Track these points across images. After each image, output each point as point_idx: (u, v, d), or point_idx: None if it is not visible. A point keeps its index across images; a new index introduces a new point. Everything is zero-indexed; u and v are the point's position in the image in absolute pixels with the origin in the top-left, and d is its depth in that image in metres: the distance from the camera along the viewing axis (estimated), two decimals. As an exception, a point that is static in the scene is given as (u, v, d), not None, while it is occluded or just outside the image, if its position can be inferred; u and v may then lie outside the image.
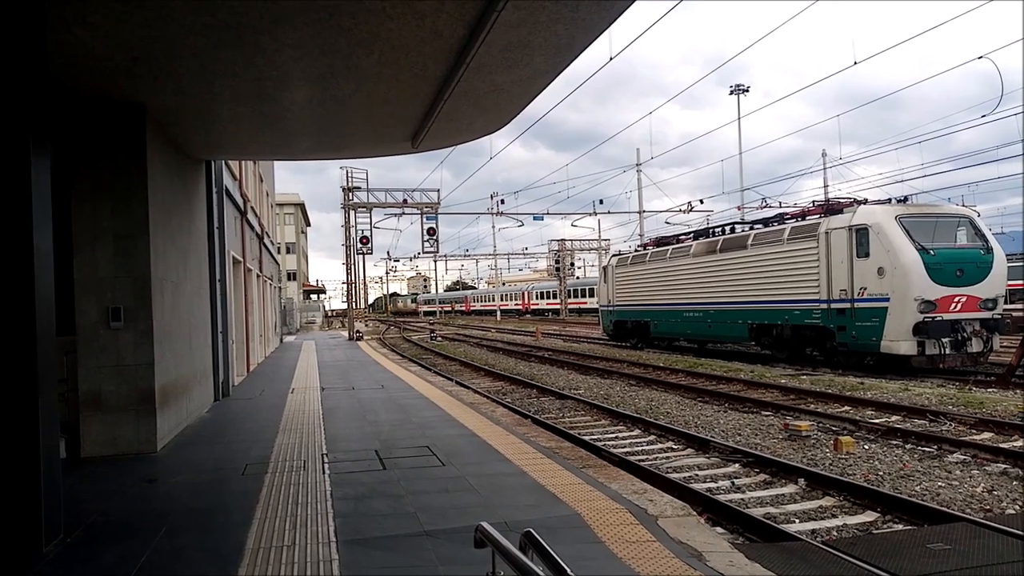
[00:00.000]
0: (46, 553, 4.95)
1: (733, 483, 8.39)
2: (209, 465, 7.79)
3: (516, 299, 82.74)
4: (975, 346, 17.11)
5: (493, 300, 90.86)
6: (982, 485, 7.94)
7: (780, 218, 22.49)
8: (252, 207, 20.66)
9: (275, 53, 6.49)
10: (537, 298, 78.28)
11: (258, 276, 23.21)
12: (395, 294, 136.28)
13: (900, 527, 6.70)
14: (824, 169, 43.00)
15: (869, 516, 7.04)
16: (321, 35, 6.07)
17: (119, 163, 8.32)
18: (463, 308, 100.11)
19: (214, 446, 8.91)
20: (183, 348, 10.01)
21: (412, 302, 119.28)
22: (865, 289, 17.77)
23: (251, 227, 20.62)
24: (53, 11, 5.41)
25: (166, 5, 5.46)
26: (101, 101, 7.93)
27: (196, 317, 11.07)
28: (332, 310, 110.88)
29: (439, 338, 40.51)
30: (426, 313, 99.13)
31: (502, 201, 50.94)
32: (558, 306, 71.58)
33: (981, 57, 23.12)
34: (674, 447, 10.44)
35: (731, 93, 45.69)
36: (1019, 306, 26.75)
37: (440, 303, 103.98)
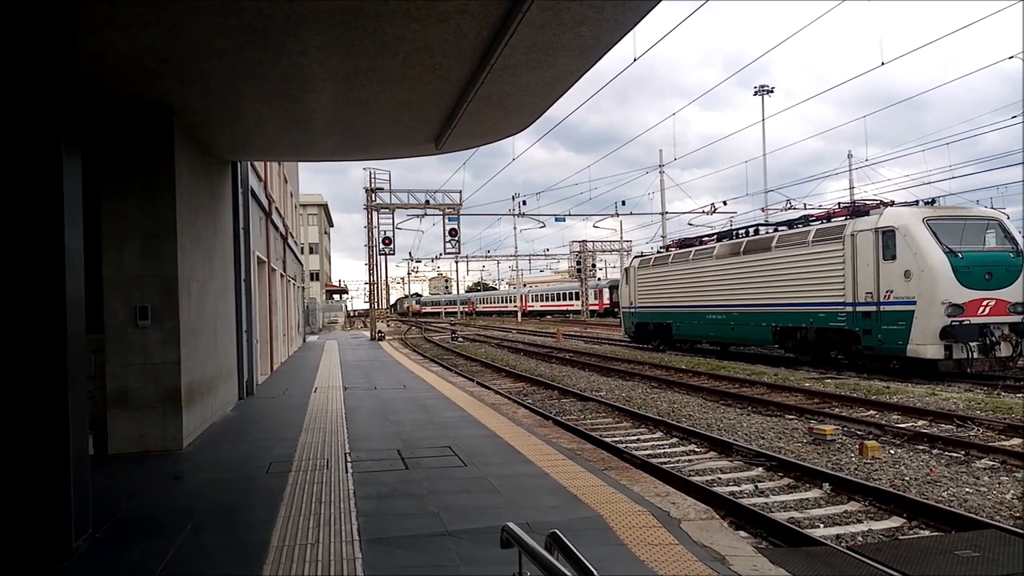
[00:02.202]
0: (76, 548, 5.02)
1: (756, 487, 8.32)
2: (234, 463, 7.87)
3: (514, 301, 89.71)
4: (1004, 350, 16.83)
5: (494, 302, 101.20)
6: (1012, 492, 7.81)
7: (805, 220, 22.27)
8: (277, 208, 20.83)
9: (300, 55, 6.54)
10: (532, 300, 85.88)
11: (282, 276, 23.40)
12: (417, 294, 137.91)
13: (927, 533, 6.61)
14: (850, 171, 42.57)
15: (895, 522, 6.95)
16: (346, 37, 6.11)
17: (147, 164, 8.43)
18: (467, 310, 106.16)
19: (239, 444, 9.01)
20: (208, 347, 10.11)
21: (416, 303, 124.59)
22: (892, 292, 17.55)
23: (275, 227, 20.79)
24: (83, 13, 5.49)
25: (193, 7, 5.52)
26: (130, 103, 8.05)
27: (221, 316, 11.19)
28: (354, 310, 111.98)
29: (460, 339, 40.61)
30: (447, 314, 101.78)
31: (524, 202, 51.01)
32: (553, 307, 78.76)
33: (1012, 57, 22.75)
34: (697, 450, 10.38)
35: (755, 94, 45.34)
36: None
37: (443, 304, 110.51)
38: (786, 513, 7.27)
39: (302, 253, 39.99)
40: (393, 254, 39.60)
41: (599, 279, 73.27)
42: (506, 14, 5.66)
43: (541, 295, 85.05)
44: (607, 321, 59.11)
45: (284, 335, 23.99)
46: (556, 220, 53.75)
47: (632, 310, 31.91)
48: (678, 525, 5.31)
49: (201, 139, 9.89)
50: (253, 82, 7.37)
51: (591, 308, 69.79)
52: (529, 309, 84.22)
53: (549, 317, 76.81)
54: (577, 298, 72.46)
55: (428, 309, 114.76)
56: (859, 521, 7.04)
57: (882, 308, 17.77)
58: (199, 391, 9.46)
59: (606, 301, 68.20)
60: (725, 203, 45.76)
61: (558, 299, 79.44)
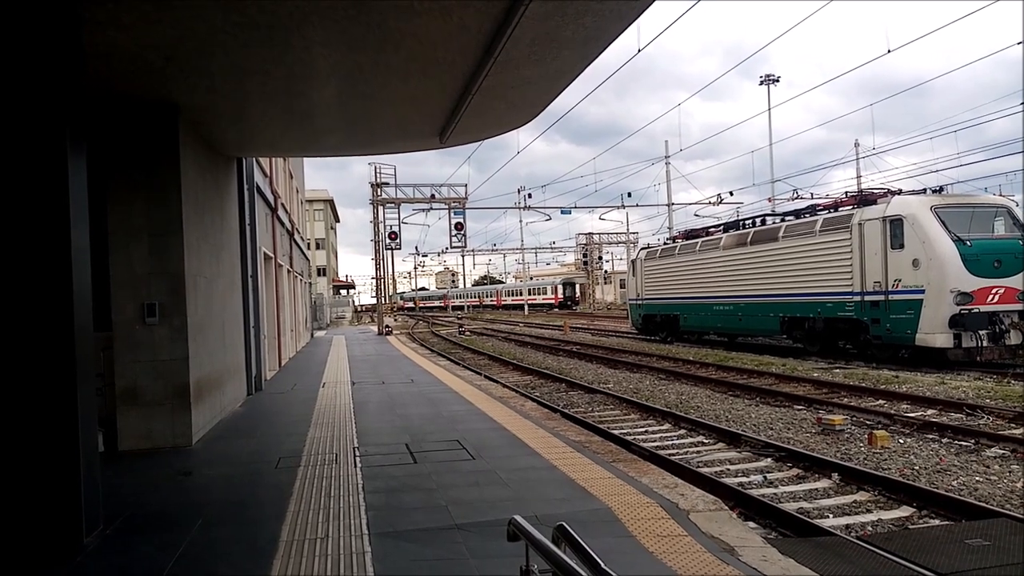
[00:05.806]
0: (87, 544, 5.06)
1: (765, 477, 8.32)
2: (243, 458, 7.90)
3: (492, 297, 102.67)
4: (1013, 338, 16.73)
5: (470, 298, 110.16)
6: (1022, 480, 7.78)
7: (812, 210, 22.17)
8: (282, 203, 20.85)
9: (304, 51, 6.54)
10: (506, 295, 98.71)
11: (289, 272, 23.45)
12: (423, 288, 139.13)
13: (937, 522, 6.60)
14: (857, 159, 42.36)
15: (905, 511, 6.94)
16: (349, 32, 6.10)
17: (153, 162, 8.45)
18: (442, 304, 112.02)
19: (248, 440, 9.04)
20: (216, 343, 10.15)
21: (400, 299, 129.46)
22: (900, 281, 17.48)
23: (282, 223, 20.81)
24: (87, 12, 5.49)
25: (197, 5, 5.52)
26: (135, 101, 8.06)
27: (229, 312, 11.21)
28: (361, 305, 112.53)
29: (467, 332, 40.64)
30: (457, 307, 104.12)
31: (529, 195, 51.00)
32: (523, 301, 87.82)
33: (1020, 43, 22.55)
34: (705, 441, 10.37)
35: (761, 83, 45.16)
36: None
37: (427, 299, 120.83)
38: (795, 503, 7.27)
39: (308, 249, 40.06)
40: (399, 248, 39.69)
41: (553, 278, 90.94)
42: (509, 7, 5.64)
43: (514, 291, 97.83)
44: (613, 314, 59.50)
45: (292, 331, 24.06)
46: (562, 212, 53.64)
47: (639, 302, 31.85)
48: (687, 516, 5.31)
49: (206, 136, 9.90)
50: (257, 79, 7.37)
51: (547, 302, 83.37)
52: (503, 303, 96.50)
53: (551, 310, 79.24)
54: (544, 293, 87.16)
55: (410, 305, 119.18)
56: (869, 511, 7.03)
57: (890, 297, 17.70)
58: (208, 387, 9.49)
59: (560, 296, 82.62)
60: (731, 193, 45.67)
61: (529, 294, 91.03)
